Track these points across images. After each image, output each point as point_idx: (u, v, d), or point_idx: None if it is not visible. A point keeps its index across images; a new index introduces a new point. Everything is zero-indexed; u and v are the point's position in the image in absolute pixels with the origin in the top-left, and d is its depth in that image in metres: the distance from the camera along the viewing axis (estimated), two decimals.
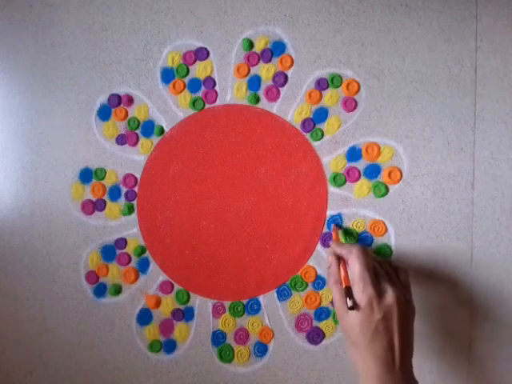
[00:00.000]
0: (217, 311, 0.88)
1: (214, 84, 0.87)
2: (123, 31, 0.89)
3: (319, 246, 0.85)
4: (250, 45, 0.85)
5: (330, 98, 0.84)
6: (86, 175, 0.90)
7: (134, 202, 0.89)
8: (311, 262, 0.85)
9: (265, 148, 0.86)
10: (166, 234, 0.89)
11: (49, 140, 0.91)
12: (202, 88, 0.87)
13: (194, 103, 0.87)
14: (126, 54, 0.89)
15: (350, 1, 0.83)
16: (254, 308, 0.87)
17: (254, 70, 0.86)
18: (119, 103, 0.89)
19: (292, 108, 0.85)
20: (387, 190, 0.83)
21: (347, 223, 0.84)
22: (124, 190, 0.89)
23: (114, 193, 0.89)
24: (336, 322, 0.84)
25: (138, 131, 0.89)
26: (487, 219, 0.81)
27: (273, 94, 0.85)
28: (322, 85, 0.84)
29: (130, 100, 0.89)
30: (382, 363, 0.63)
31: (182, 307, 0.88)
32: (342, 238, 0.79)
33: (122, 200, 0.89)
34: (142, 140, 0.89)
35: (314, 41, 0.84)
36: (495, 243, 0.81)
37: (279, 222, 0.86)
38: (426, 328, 0.82)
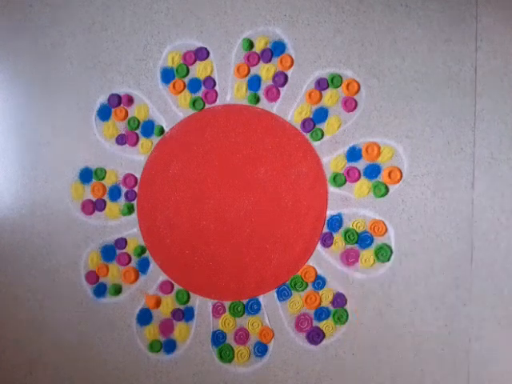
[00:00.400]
0: (217, 311, 0.88)
1: (214, 84, 0.87)
2: (123, 31, 0.89)
3: (319, 246, 0.85)
4: (250, 45, 0.85)
5: (329, 97, 0.84)
6: (86, 175, 0.90)
7: (134, 202, 0.89)
8: (311, 262, 0.85)
9: (265, 148, 0.86)
10: (166, 234, 0.89)
11: (49, 140, 0.91)
12: (202, 88, 0.87)
13: (194, 103, 0.87)
14: (125, 54, 0.89)
15: (350, 1, 0.83)
16: (253, 308, 0.87)
17: (253, 70, 0.86)
18: (119, 103, 0.89)
19: (292, 108, 0.85)
20: (387, 189, 0.83)
21: (347, 223, 0.84)
22: (124, 190, 0.89)
23: (114, 193, 0.90)
24: (336, 322, 0.84)
25: (138, 131, 0.89)
26: (487, 219, 0.81)
27: (273, 94, 0.85)
28: (321, 85, 0.84)
29: (130, 100, 0.89)
30: None
31: (182, 307, 0.88)
32: (342, 238, 0.79)
33: (122, 200, 0.89)
34: (142, 140, 0.89)
35: (314, 41, 0.84)
36: (495, 243, 0.81)
37: (279, 221, 0.86)
38: (426, 328, 0.82)
